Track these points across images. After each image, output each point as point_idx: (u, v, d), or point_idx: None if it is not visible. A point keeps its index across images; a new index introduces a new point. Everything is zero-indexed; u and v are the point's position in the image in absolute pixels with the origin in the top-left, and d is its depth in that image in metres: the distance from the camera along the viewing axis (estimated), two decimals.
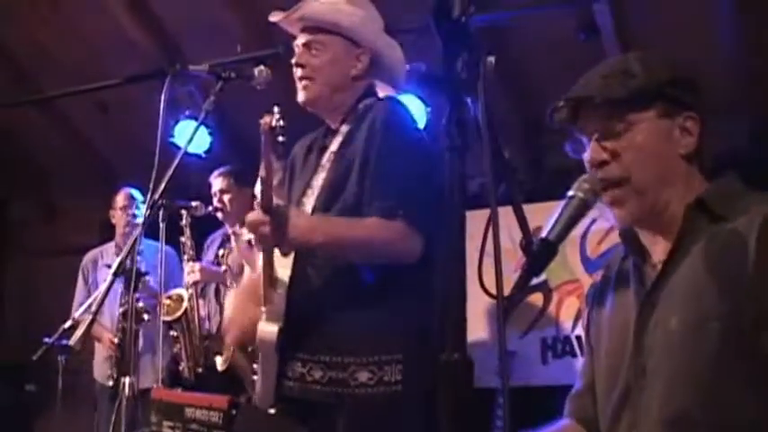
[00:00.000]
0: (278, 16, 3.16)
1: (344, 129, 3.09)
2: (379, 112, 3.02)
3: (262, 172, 2.77)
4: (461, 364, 1.42)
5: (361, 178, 2.93)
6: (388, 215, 2.84)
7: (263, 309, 2.94)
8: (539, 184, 6.07)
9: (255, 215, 2.82)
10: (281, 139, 2.79)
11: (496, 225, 1.51)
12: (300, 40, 3.12)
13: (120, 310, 5.80)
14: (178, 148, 5.12)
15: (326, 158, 3.07)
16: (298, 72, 3.10)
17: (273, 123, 2.77)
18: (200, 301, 5.62)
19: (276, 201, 2.84)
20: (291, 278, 2.94)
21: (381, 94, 3.20)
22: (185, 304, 5.61)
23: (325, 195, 3.00)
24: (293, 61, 3.12)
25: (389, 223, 2.84)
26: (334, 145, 3.08)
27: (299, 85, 3.10)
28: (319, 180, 3.05)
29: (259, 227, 2.81)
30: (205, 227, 5.81)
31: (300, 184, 3.12)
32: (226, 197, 5.57)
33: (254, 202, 2.92)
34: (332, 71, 3.08)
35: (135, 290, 3.25)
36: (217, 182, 5.68)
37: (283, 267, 2.94)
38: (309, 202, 3.03)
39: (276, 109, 2.80)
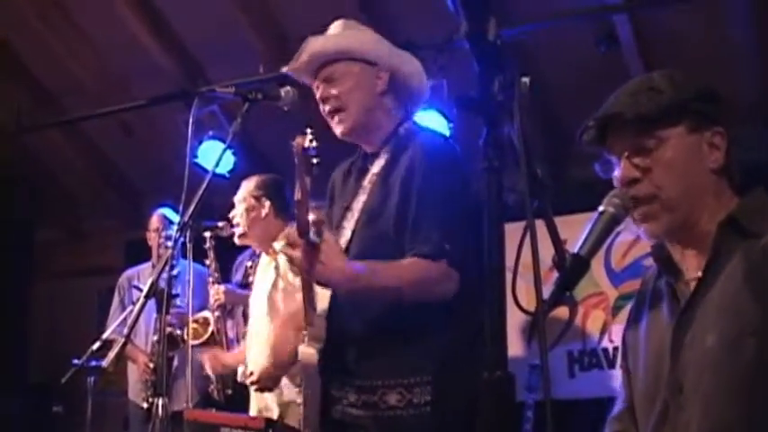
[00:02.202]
0: (289, 66, 3.16)
1: (386, 153, 3.08)
2: (420, 146, 3.00)
3: (297, 195, 2.74)
4: (504, 380, 1.42)
5: (400, 208, 2.91)
6: (433, 254, 2.81)
7: (305, 331, 2.95)
8: (562, 197, 6.05)
9: (291, 237, 2.81)
10: (315, 160, 2.76)
11: (535, 245, 1.52)
12: (318, 77, 3.11)
13: (155, 337, 5.84)
14: (202, 168, 5.15)
15: (368, 180, 3.06)
16: (326, 107, 3.08)
17: (306, 144, 2.74)
18: (228, 323, 5.62)
19: (325, 231, 2.80)
20: (331, 300, 2.94)
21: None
22: (211, 327, 5.62)
23: (365, 219, 2.99)
24: (319, 97, 3.11)
25: (433, 264, 2.81)
26: (376, 167, 3.06)
27: (333, 119, 3.08)
28: (359, 203, 3.03)
29: (292, 251, 2.80)
30: (234, 247, 5.81)
31: (340, 207, 3.11)
32: None
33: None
34: (360, 95, 3.06)
35: (167, 312, 3.26)
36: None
37: (323, 289, 2.93)
38: (349, 226, 3.02)
39: (309, 130, 2.79)
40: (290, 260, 2.86)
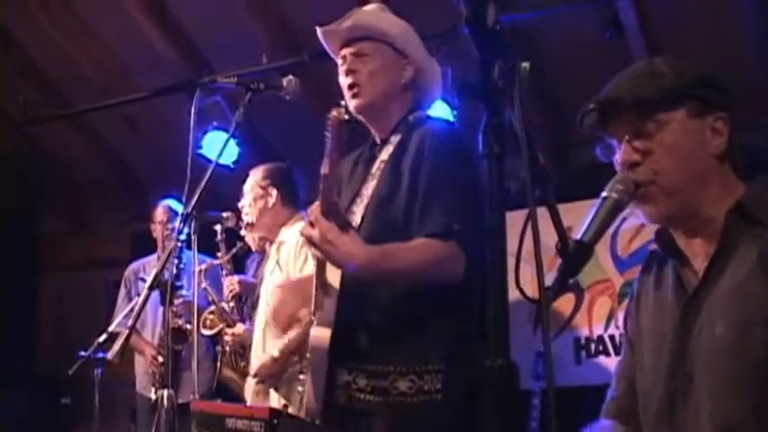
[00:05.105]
0: (326, 27, 3.14)
1: (395, 139, 3.08)
2: (427, 131, 3.00)
3: (324, 169, 2.70)
4: (506, 369, 1.42)
5: (409, 195, 2.91)
6: (442, 234, 2.81)
7: (314, 314, 2.94)
8: (565, 184, 6.06)
9: (314, 214, 2.77)
10: (345, 136, 2.74)
11: (536, 230, 1.51)
12: (348, 49, 3.10)
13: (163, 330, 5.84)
14: (206, 159, 5.15)
15: (376, 167, 3.05)
16: (349, 79, 3.07)
17: (341, 117, 2.71)
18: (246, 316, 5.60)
19: (347, 218, 2.82)
20: (341, 284, 2.91)
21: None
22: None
23: (374, 204, 2.98)
24: (343, 69, 3.10)
25: (442, 244, 2.81)
26: (385, 154, 3.06)
27: (350, 93, 3.07)
28: (369, 189, 3.02)
29: (311, 230, 2.76)
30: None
31: (348, 194, 3.10)
32: None
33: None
34: (382, 78, 3.07)
35: (171, 303, 3.26)
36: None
37: (334, 273, 2.91)
38: (359, 211, 3.01)
39: (343, 103, 2.77)
40: (309, 240, 2.79)
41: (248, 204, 4.76)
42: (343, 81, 3.11)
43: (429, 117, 3.18)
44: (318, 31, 3.16)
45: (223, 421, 2.89)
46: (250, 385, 4.49)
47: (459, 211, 2.83)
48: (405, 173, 2.96)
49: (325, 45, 3.21)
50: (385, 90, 3.08)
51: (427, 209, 2.87)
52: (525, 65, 1.49)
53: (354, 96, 3.07)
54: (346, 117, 2.72)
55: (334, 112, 2.72)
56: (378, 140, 3.16)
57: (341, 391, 2.91)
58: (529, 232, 1.54)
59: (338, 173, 3.20)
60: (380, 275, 2.84)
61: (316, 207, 2.80)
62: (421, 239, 2.84)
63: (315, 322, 2.92)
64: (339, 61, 3.14)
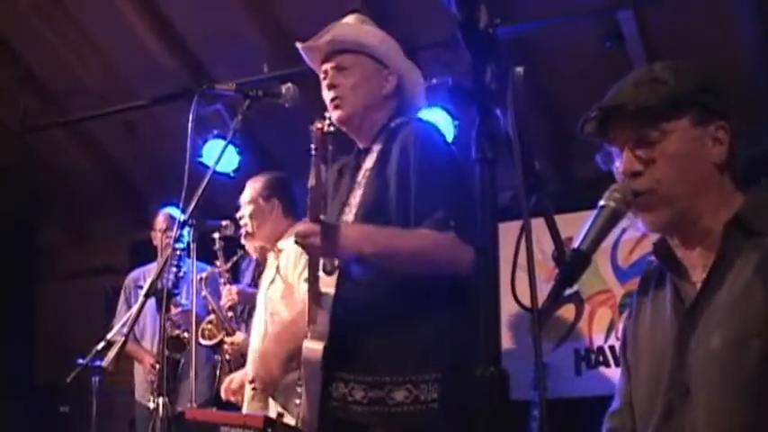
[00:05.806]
0: (306, 43, 3.16)
1: (377, 147, 3.09)
2: (409, 131, 3.02)
3: (311, 181, 2.74)
4: (497, 377, 1.40)
5: (400, 197, 2.92)
6: (439, 227, 2.81)
7: (308, 328, 2.94)
8: (567, 194, 6.05)
9: (305, 225, 2.81)
10: (330, 147, 2.78)
11: (530, 237, 1.50)
12: (329, 63, 3.12)
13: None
14: (206, 167, 5.14)
15: (361, 176, 3.07)
16: (330, 94, 3.10)
17: (325, 129, 2.75)
18: (242, 325, 5.58)
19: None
20: (335, 297, 2.92)
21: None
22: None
23: (363, 212, 2.99)
24: (325, 83, 3.13)
25: (441, 235, 2.81)
26: (369, 162, 3.07)
27: (332, 105, 3.09)
28: (356, 197, 3.03)
29: (309, 237, 2.79)
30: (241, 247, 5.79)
31: (336, 204, 3.11)
32: None
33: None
34: (364, 90, 3.09)
35: (167, 311, 3.25)
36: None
37: (328, 286, 2.93)
38: (348, 220, 3.01)
39: (327, 114, 2.79)
40: (307, 248, 2.85)
41: (248, 215, 4.73)
42: (326, 95, 3.13)
43: (409, 120, 3.18)
44: (299, 46, 3.18)
45: (217, 430, 2.89)
46: (247, 390, 4.46)
47: (456, 209, 2.83)
48: (391, 177, 2.97)
49: (306, 60, 3.23)
50: (367, 102, 3.10)
51: (422, 204, 2.87)
52: (519, 69, 1.48)
53: (336, 108, 3.08)
54: (331, 129, 2.74)
55: (318, 125, 2.73)
56: (361, 147, 3.18)
57: (337, 403, 2.91)
58: (524, 241, 1.53)
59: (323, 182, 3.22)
60: (377, 252, 2.86)
61: (304, 223, 2.86)
62: (420, 230, 2.85)
63: (308, 336, 2.92)
64: (321, 75, 3.17)
